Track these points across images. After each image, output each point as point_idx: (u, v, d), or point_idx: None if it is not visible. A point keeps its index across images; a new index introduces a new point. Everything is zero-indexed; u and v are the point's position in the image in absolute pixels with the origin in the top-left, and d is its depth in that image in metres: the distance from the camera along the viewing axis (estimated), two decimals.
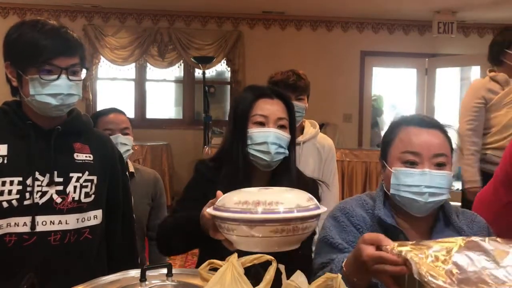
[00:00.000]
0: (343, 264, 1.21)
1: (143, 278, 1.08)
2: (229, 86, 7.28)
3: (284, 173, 1.65)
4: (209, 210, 1.18)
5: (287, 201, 1.11)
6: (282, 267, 1.03)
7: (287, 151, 1.63)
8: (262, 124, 1.60)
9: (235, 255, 1.02)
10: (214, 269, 1.03)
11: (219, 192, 1.23)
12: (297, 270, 1.06)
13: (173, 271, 1.11)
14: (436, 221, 1.46)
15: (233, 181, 1.51)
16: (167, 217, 1.72)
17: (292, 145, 1.67)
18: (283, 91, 1.74)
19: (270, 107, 1.62)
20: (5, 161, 1.41)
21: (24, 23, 1.45)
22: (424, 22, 7.04)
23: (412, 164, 1.38)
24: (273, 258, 1.02)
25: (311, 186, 1.70)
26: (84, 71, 1.47)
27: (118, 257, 1.62)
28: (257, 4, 6.52)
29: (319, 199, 1.61)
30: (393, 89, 8.23)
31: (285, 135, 1.61)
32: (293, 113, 1.67)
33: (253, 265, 1.04)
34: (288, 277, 1.04)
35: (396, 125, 1.47)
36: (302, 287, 1.03)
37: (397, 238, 1.39)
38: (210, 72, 7.10)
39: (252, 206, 1.08)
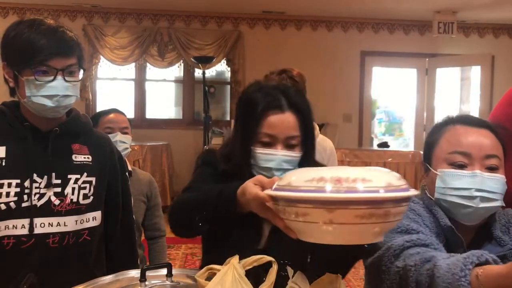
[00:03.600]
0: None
1: (143, 278, 1.07)
2: (229, 86, 7.28)
3: None
4: (269, 192, 0.96)
5: (375, 178, 0.86)
6: (290, 270, 1.00)
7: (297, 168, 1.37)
8: (268, 144, 1.36)
9: (237, 257, 0.99)
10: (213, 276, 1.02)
11: (275, 178, 1.03)
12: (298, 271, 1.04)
13: (173, 271, 1.10)
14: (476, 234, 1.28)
15: None
16: (186, 189, 1.41)
17: (309, 157, 1.41)
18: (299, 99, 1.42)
19: (279, 124, 1.35)
20: (3, 163, 1.39)
21: (21, 22, 1.42)
22: (424, 22, 7.03)
23: (461, 166, 1.24)
24: (273, 259, 0.97)
25: None
26: (81, 72, 1.45)
27: (118, 258, 1.61)
28: (257, 4, 6.51)
29: None
30: (393, 89, 8.23)
31: (294, 156, 1.36)
32: (309, 125, 1.40)
33: (253, 267, 0.99)
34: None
35: (442, 125, 1.33)
36: None
37: (457, 249, 1.19)
38: (210, 72, 7.09)
39: (331, 184, 0.85)
